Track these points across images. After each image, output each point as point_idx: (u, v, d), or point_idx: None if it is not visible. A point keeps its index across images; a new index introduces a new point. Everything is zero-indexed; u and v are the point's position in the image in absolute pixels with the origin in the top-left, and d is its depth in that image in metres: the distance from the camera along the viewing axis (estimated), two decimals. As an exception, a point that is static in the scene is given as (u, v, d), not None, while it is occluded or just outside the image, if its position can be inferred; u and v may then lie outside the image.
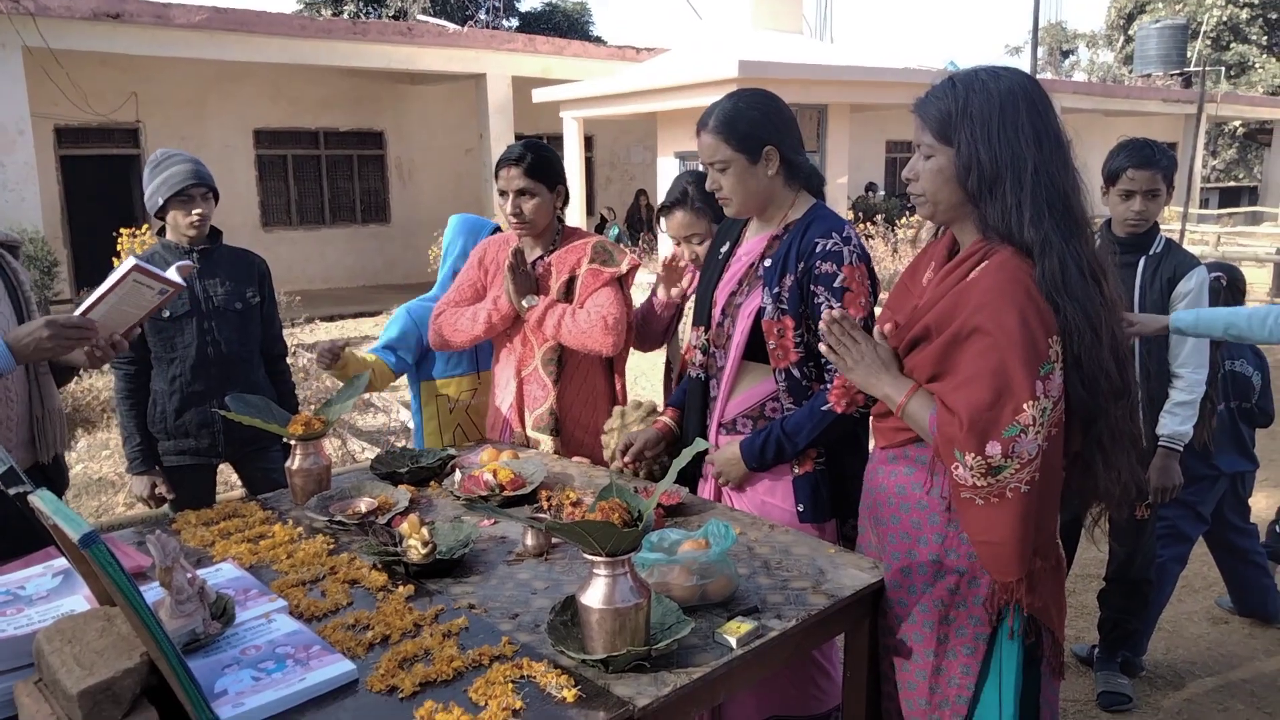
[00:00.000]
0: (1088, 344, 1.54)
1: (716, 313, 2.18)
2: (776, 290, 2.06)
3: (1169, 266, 2.73)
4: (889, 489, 1.75)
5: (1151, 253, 2.78)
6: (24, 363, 1.89)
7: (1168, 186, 2.77)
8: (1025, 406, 1.49)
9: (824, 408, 2.03)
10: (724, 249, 2.25)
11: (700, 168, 2.24)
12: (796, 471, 2.09)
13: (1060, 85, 18.70)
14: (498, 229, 2.98)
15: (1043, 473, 1.54)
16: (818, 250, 2.04)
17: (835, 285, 2.02)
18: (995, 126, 1.56)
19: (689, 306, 2.67)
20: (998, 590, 1.61)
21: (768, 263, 2.10)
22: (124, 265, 2.10)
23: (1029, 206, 1.55)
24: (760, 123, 2.07)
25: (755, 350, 2.11)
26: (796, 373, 2.08)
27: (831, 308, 2.00)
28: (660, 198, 13.18)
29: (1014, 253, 1.56)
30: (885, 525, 1.76)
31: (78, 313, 2.11)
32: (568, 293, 2.64)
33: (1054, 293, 1.53)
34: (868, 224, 12.17)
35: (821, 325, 1.78)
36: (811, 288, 2.04)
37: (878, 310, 1.96)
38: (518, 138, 14.90)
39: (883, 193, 17.82)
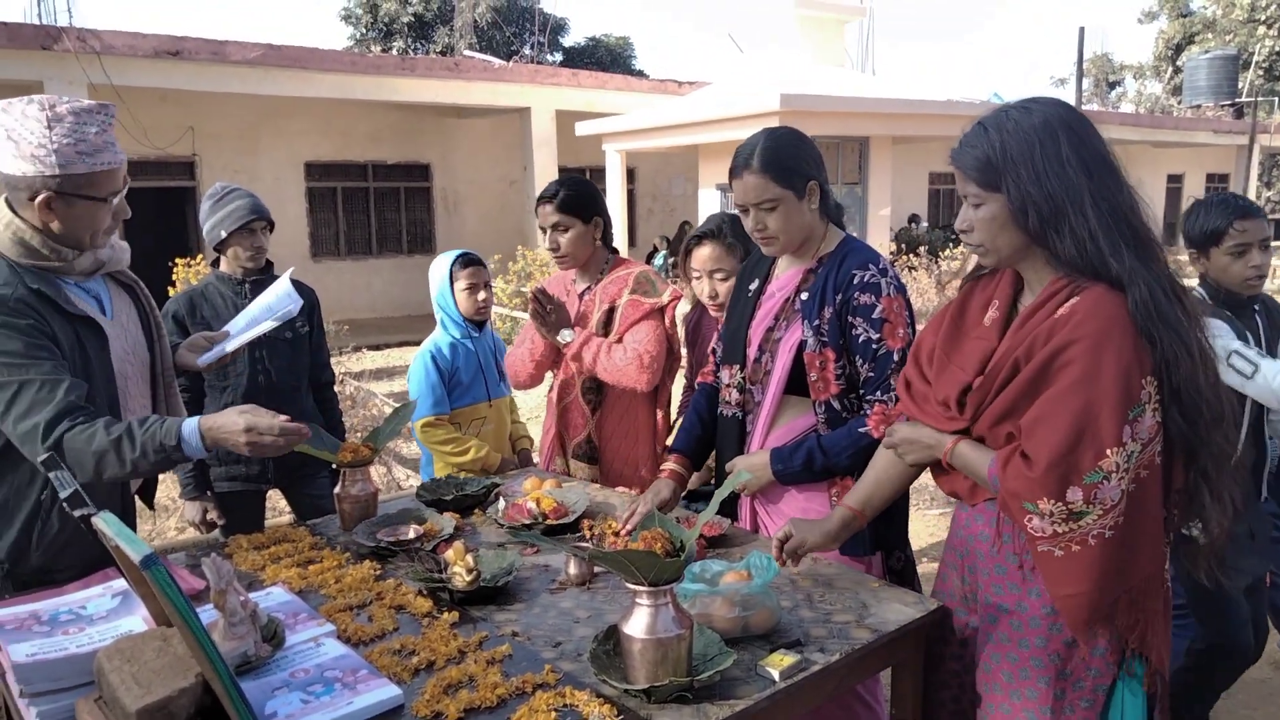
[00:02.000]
0: (1186, 372, 1.49)
1: (752, 349, 2.19)
2: (816, 323, 2.07)
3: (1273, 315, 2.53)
4: (990, 536, 1.69)
5: (1259, 307, 2.53)
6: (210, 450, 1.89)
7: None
8: (1109, 452, 1.45)
9: (862, 429, 2.04)
10: (753, 286, 2.26)
11: (735, 209, 2.23)
12: (836, 504, 2.08)
13: (1107, 116, 18.50)
14: (468, 258, 2.99)
15: (1129, 516, 1.49)
16: (855, 282, 2.05)
17: (874, 316, 2.03)
18: (1040, 163, 1.53)
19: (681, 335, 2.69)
20: (1125, 638, 1.57)
21: (804, 296, 2.12)
22: (282, 302, 2.32)
23: (1103, 236, 1.51)
24: (803, 158, 2.08)
25: (795, 384, 2.12)
26: (837, 404, 2.09)
27: (871, 339, 2.01)
28: (701, 229, 13.13)
29: (1106, 288, 1.51)
30: (985, 574, 1.70)
31: (230, 346, 2.28)
32: (608, 322, 2.68)
33: (1149, 324, 1.48)
34: (910, 255, 12.10)
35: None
36: (850, 319, 2.05)
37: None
38: (561, 170, 15.11)
39: (925, 224, 17.72)
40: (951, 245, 14.30)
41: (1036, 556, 1.52)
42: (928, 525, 4.73)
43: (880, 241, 12.52)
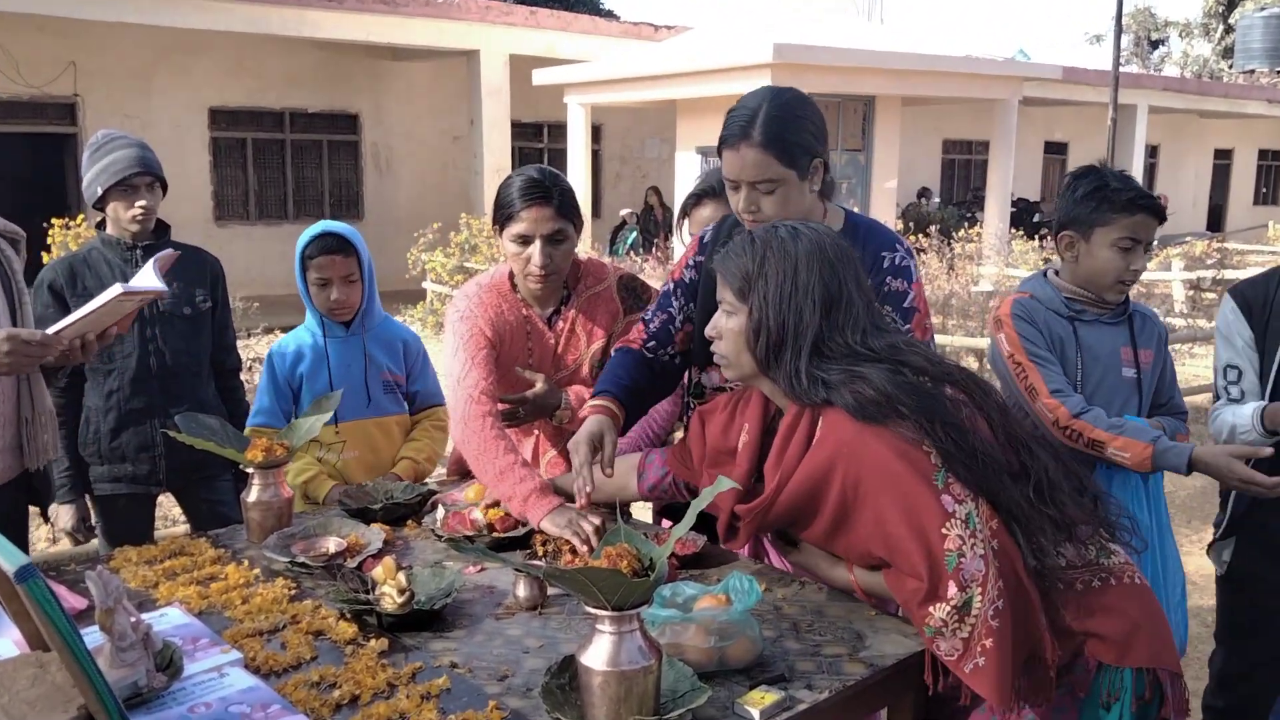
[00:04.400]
0: (944, 431, 1.68)
1: None
2: None
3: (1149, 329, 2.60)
4: None
5: (1129, 313, 2.56)
6: None
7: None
8: (944, 529, 1.62)
9: None
10: None
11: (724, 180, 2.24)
12: None
13: (1147, 81, 18.80)
14: (327, 242, 2.71)
15: (1005, 576, 1.63)
16: (886, 265, 2.09)
17: (906, 305, 2.08)
18: (787, 289, 1.76)
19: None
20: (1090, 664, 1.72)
21: None
22: (109, 292, 2.17)
23: (804, 372, 1.75)
24: (810, 131, 2.09)
25: None
26: None
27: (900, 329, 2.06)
28: (678, 197, 13.28)
29: (833, 410, 1.74)
30: None
31: (51, 330, 2.19)
32: (603, 356, 2.57)
33: (881, 409, 1.68)
34: (919, 236, 12.22)
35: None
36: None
37: None
38: (515, 126, 15.08)
39: (938, 200, 17.90)
40: (967, 225, 14.46)
41: (967, 679, 1.62)
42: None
43: (885, 218, 12.63)
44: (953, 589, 1.61)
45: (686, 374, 2.42)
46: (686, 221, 2.81)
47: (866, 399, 1.70)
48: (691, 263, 2.36)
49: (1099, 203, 2.43)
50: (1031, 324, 2.45)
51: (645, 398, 2.36)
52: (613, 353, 2.40)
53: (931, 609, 1.62)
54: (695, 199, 2.72)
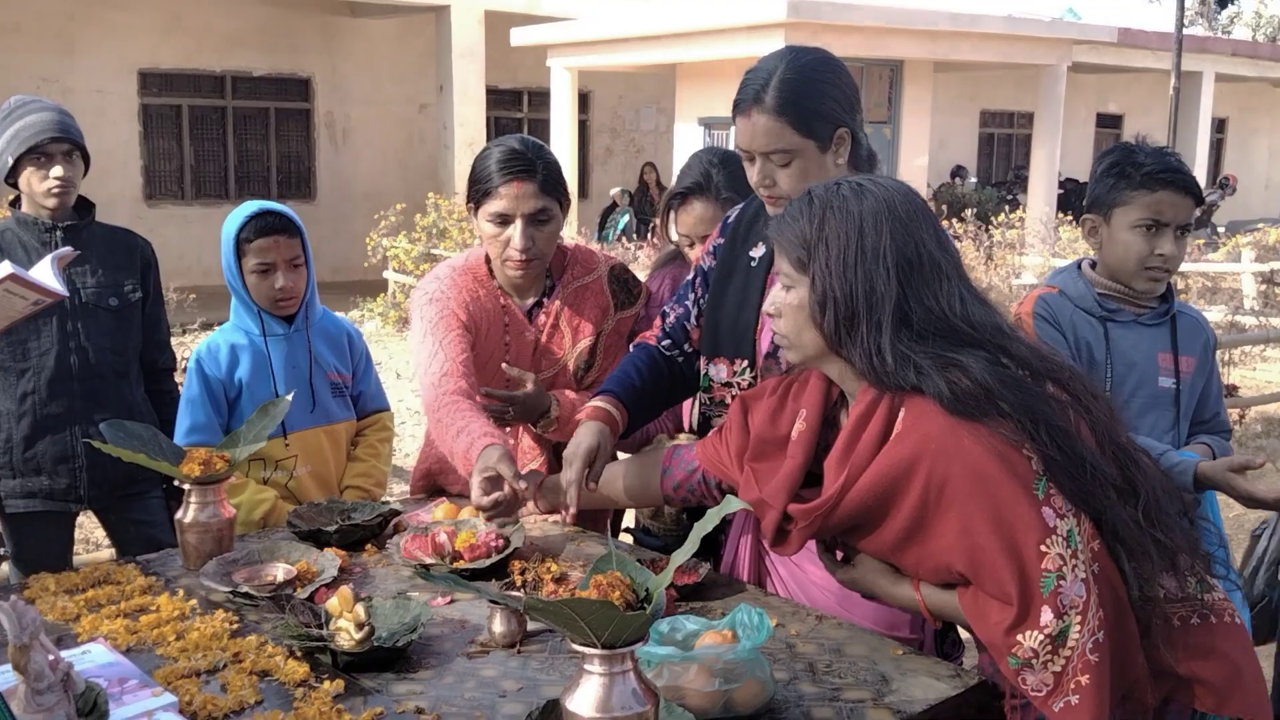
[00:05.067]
0: (1048, 430, 1.66)
1: (764, 340, 2.22)
2: None
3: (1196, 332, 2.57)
4: None
5: (1172, 314, 2.54)
6: None
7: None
8: (1044, 546, 1.60)
9: None
10: (756, 253, 2.29)
11: (735, 149, 2.25)
12: None
13: (1214, 44, 18.87)
14: (268, 221, 2.67)
15: (1106, 602, 1.62)
16: None
17: None
18: (853, 255, 1.72)
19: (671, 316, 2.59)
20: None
21: None
22: None
23: (890, 350, 1.71)
24: (833, 96, 2.10)
25: None
26: None
27: None
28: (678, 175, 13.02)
29: (918, 398, 1.71)
30: None
31: None
32: (591, 356, 2.60)
33: (977, 405, 1.66)
34: (953, 221, 12.26)
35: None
36: None
37: None
38: (490, 93, 15.07)
39: (974, 180, 17.94)
40: (1008, 208, 14.50)
41: (1057, 718, 1.61)
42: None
43: (914, 201, 12.64)
44: (1048, 615, 1.58)
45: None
46: (672, 223, 2.80)
47: (963, 390, 1.66)
48: (712, 248, 2.38)
49: (1116, 179, 2.43)
50: (1055, 326, 2.45)
51: (657, 400, 2.38)
52: (630, 348, 2.44)
53: (1020, 637, 1.60)
54: (681, 197, 2.70)
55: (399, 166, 15.70)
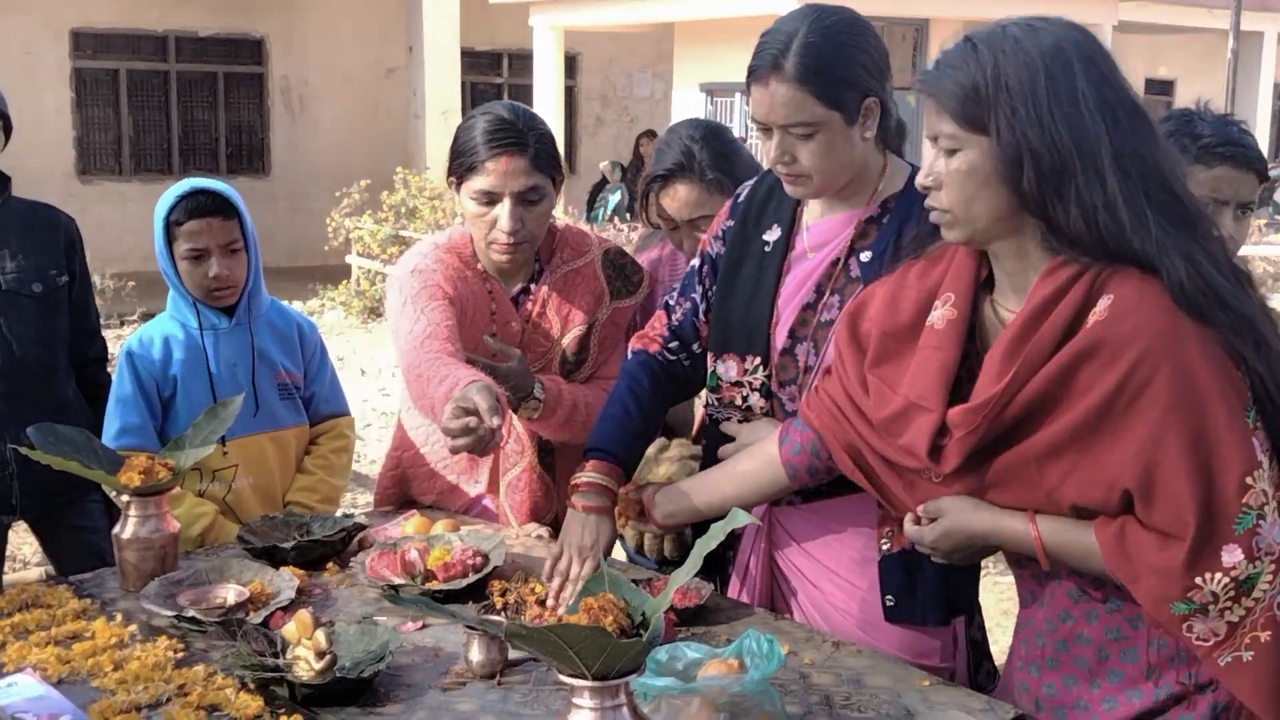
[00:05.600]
0: (1265, 366, 1.60)
1: (780, 334, 2.22)
2: None
3: None
4: (1085, 634, 1.77)
5: None
6: None
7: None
8: (1250, 479, 1.54)
9: None
10: (772, 237, 2.28)
11: (750, 123, 2.24)
12: (886, 548, 2.12)
13: (1277, 2, 18.84)
14: (200, 201, 2.65)
15: None
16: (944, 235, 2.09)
17: None
18: (1046, 98, 1.63)
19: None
20: None
21: (866, 257, 2.15)
22: None
23: (1123, 203, 1.61)
24: (860, 64, 2.09)
25: None
26: None
27: None
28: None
29: (1137, 272, 1.63)
30: (1083, 671, 1.78)
31: None
32: (581, 349, 2.61)
33: (1201, 309, 1.59)
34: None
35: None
36: None
37: None
38: (466, 56, 15.04)
39: (1008, 152, 17.89)
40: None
41: (1221, 673, 1.59)
42: (998, 595, 4.81)
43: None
44: (1236, 555, 1.54)
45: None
46: (651, 205, 2.77)
47: (1198, 285, 1.58)
48: (721, 231, 2.37)
49: None
50: None
51: (654, 426, 2.40)
52: (628, 353, 2.41)
53: (1201, 579, 1.55)
54: (662, 180, 2.68)
55: (363, 138, 15.65)
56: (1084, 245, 1.64)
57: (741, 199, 2.37)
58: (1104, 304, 1.62)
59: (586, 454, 2.28)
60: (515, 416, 2.56)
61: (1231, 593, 1.55)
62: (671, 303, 2.41)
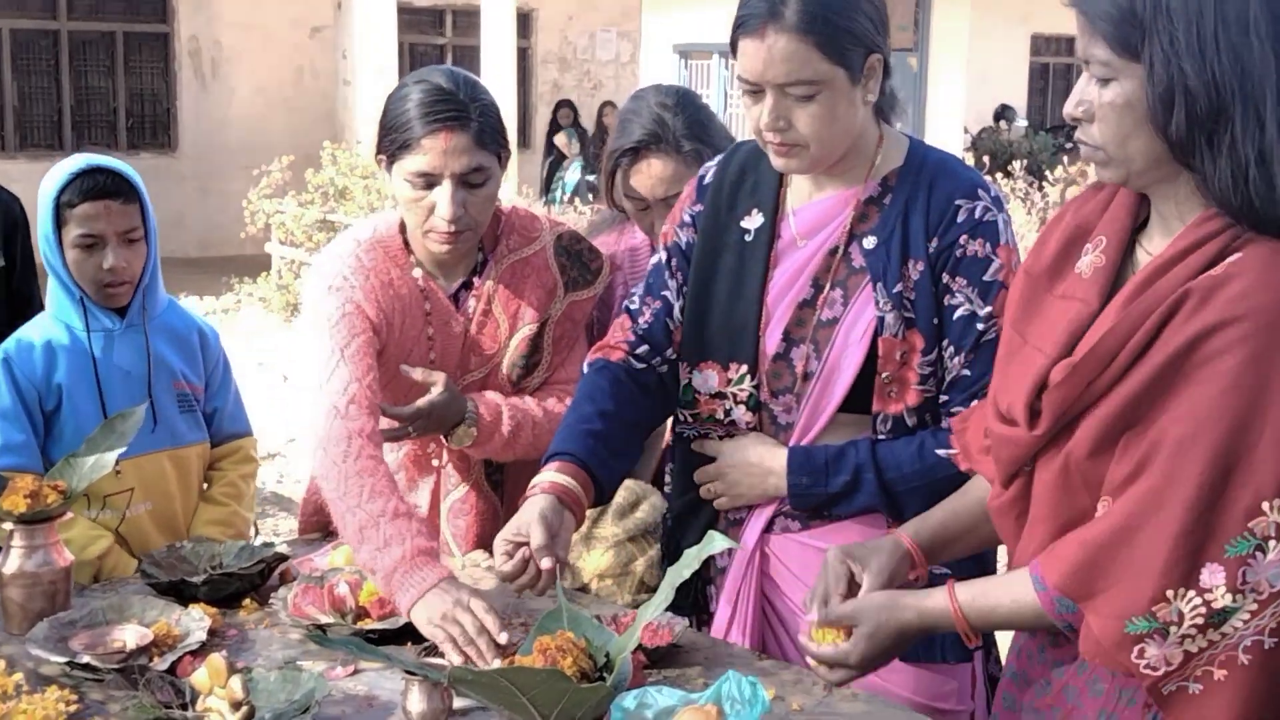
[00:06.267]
0: None
1: (772, 337, 2.22)
2: (898, 289, 2.12)
3: None
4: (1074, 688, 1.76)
5: None
6: None
7: None
8: (1267, 506, 1.52)
9: (939, 451, 2.10)
10: (753, 223, 2.28)
11: (736, 83, 2.24)
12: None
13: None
14: (97, 181, 2.62)
15: None
16: (962, 219, 2.11)
17: (986, 278, 2.11)
18: (1212, 25, 1.55)
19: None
20: None
21: (870, 243, 2.16)
22: None
23: (1277, 159, 1.55)
24: (865, 13, 2.10)
25: (855, 392, 2.16)
26: (911, 420, 2.16)
27: (977, 315, 2.10)
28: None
29: (1272, 256, 1.57)
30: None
31: None
32: (533, 350, 2.61)
33: None
34: (996, 175, 12.32)
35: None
36: (947, 279, 2.12)
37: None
38: (403, 13, 14.99)
39: (1023, 123, 18.07)
40: (1066, 160, 14.59)
41: (1161, 703, 1.59)
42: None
43: (948, 149, 12.74)
44: (1218, 579, 1.52)
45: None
46: (617, 184, 2.76)
47: None
48: (688, 217, 2.35)
49: None
50: None
51: (633, 441, 2.35)
52: (584, 368, 2.37)
53: (1170, 594, 1.54)
54: (632, 154, 2.67)
55: (284, 109, 15.60)
56: (1229, 205, 1.59)
57: (708, 180, 2.36)
58: (1229, 260, 1.58)
59: (547, 458, 2.24)
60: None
61: (1199, 619, 1.53)
62: (635, 305, 2.39)
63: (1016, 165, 12.94)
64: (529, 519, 2.07)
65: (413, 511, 2.28)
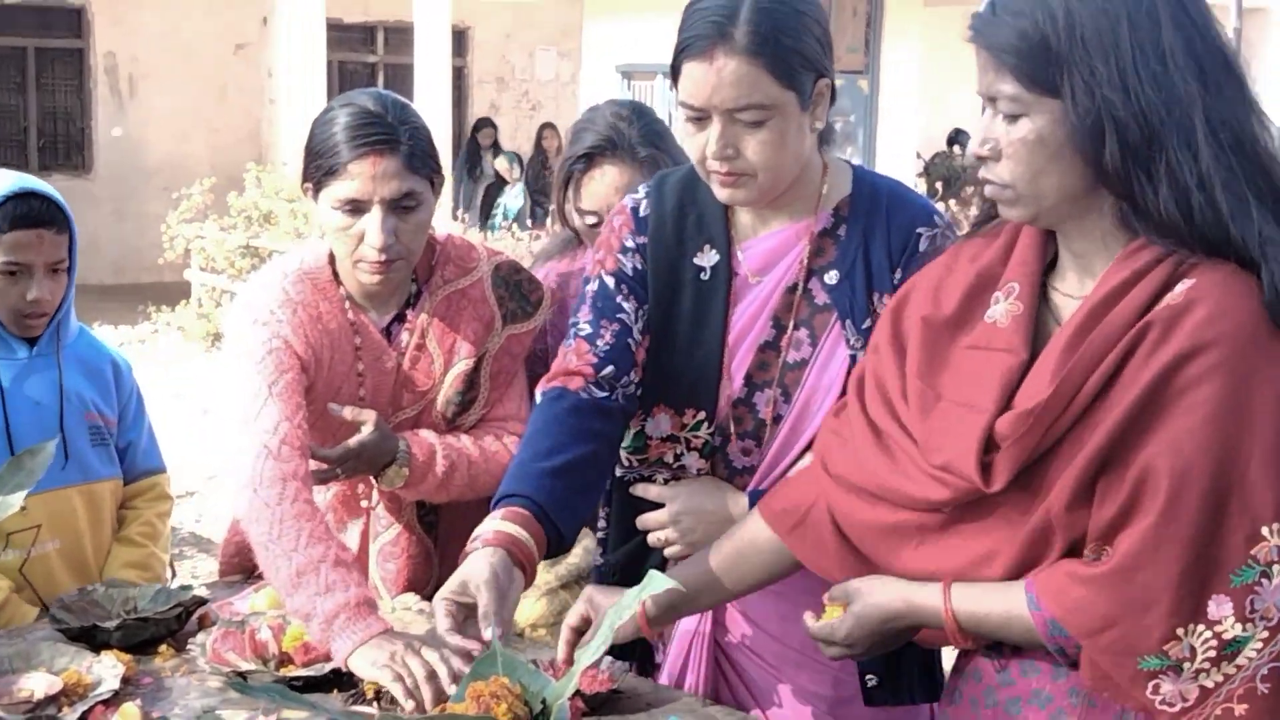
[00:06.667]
0: None
1: (734, 380, 2.22)
2: (867, 323, 2.11)
3: None
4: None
5: None
6: None
7: None
8: (1268, 531, 1.54)
9: None
10: (708, 261, 2.26)
11: (679, 109, 2.22)
12: None
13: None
14: (23, 208, 2.59)
15: None
16: (924, 248, 2.13)
17: None
18: (1131, 56, 1.59)
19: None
20: None
21: (832, 278, 2.17)
22: None
23: (1220, 183, 1.58)
24: (815, 36, 2.10)
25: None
26: None
27: None
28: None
29: (1231, 266, 1.60)
30: None
31: None
32: (469, 386, 2.60)
33: None
34: (952, 202, 12.46)
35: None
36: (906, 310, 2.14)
37: None
38: (332, 29, 14.99)
39: (978, 148, 18.21)
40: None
41: None
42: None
43: (899, 174, 12.84)
44: (1226, 610, 1.54)
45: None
46: (571, 196, 2.75)
47: None
48: (631, 244, 2.31)
49: None
50: None
51: (596, 483, 2.26)
52: (538, 397, 2.27)
53: (1181, 631, 1.55)
54: (586, 160, 2.65)
55: (207, 128, 15.55)
56: (1175, 232, 1.60)
57: (645, 212, 2.31)
58: (1182, 287, 1.60)
59: (496, 501, 2.12)
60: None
61: (1212, 653, 1.55)
62: (588, 330, 2.27)
63: (970, 191, 13.09)
64: (477, 579, 1.94)
65: (353, 562, 2.27)
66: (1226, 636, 1.54)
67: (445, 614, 1.94)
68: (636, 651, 2.32)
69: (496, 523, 2.02)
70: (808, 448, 2.15)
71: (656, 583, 1.57)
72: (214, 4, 15.60)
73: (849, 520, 1.84)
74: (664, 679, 2.29)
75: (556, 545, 2.09)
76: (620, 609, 1.51)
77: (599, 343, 2.23)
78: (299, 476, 2.31)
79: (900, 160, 13.10)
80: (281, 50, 14.13)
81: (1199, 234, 1.60)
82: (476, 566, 1.95)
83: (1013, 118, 1.67)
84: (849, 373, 2.08)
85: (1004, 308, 1.75)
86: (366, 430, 2.46)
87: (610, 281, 2.29)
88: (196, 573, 5.76)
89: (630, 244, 2.29)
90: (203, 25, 15.66)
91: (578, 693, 2.02)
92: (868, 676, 2.13)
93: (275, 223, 11.78)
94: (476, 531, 2.04)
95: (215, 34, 15.72)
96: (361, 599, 2.16)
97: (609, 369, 2.20)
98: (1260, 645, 1.54)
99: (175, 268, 12.28)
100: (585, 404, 2.18)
